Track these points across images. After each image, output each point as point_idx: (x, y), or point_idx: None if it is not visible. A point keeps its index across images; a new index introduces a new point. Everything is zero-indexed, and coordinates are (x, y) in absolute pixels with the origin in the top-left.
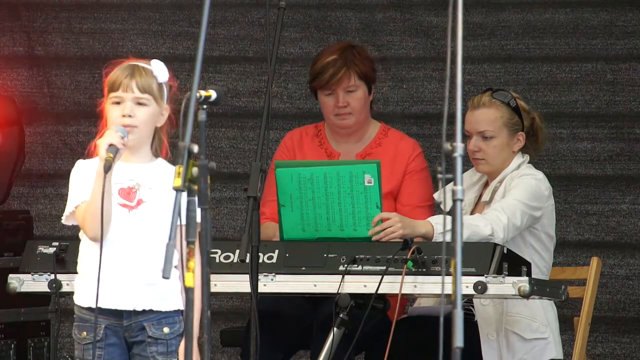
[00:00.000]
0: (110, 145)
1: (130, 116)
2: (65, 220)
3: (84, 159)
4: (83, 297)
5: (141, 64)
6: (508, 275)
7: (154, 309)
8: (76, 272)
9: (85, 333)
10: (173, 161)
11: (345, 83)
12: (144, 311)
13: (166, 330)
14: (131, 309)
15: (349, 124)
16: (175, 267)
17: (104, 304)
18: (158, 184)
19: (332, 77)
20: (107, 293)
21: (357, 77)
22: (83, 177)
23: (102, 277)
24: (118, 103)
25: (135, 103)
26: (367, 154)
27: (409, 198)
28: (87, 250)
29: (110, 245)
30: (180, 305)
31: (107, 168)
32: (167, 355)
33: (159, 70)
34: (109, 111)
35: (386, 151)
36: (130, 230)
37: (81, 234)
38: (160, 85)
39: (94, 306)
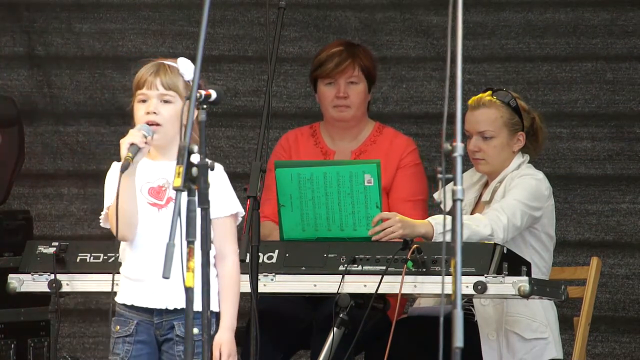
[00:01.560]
0: (132, 144)
1: (155, 113)
2: (102, 223)
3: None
4: (122, 294)
5: (168, 62)
6: (508, 275)
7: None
8: (76, 272)
9: (118, 327)
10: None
11: (349, 73)
12: (175, 310)
13: (195, 330)
14: (163, 307)
15: (346, 116)
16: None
17: (137, 302)
18: None
19: (337, 66)
20: (140, 291)
21: (360, 71)
22: (116, 178)
23: (135, 276)
24: (144, 101)
25: (160, 100)
26: (362, 152)
27: (400, 191)
28: (124, 250)
29: (141, 245)
30: (214, 307)
31: (125, 167)
32: (193, 356)
33: (186, 68)
34: (135, 109)
35: (380, 148)
36: (160, 229)
37: None
38: (186, 83)
39: (127, 303)
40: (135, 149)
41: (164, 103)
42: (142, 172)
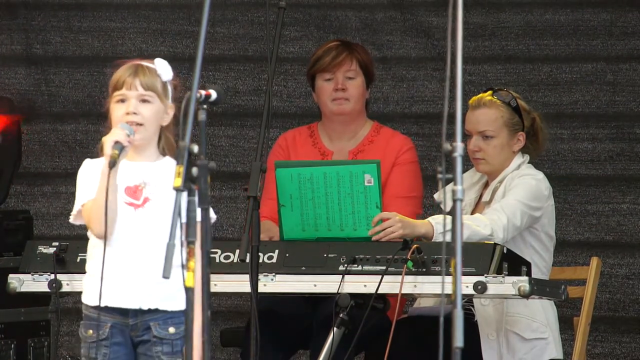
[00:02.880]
0: (116, 142)
1: (135, 113)
2: (73, 219)
3: (92, 158)
4: (90, 295)
5: (145, 63)
6: (508, 275)
7: (160, 308)
8: (76, 272)
9: (91, 331)
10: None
11: (346, 66)
12: (149, 310)
13: (172, 330)
14: (137, 307)
15: (345, 109)
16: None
17: (111, 302)
18: (164, 182)
19: (334, 59)
20: (114, 291)
21: (358, 65)
22: (90, 176)
23: (109, 276)
24: (122, 101)
25: (139, 100)
26: (360, 151)
27: (392, 188)
28: (94, 248)
29: (117, 244)
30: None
31: (112, 165)
32: (172, 356)
33: (163, 68)
34: (113, 110)
35: (378, 148)
36: (136, 228)
37: (89, 233)
38: (164, 84)
39: (101, 304)
40: (119, 147)
41: (143, 103)
42: (119, 172)
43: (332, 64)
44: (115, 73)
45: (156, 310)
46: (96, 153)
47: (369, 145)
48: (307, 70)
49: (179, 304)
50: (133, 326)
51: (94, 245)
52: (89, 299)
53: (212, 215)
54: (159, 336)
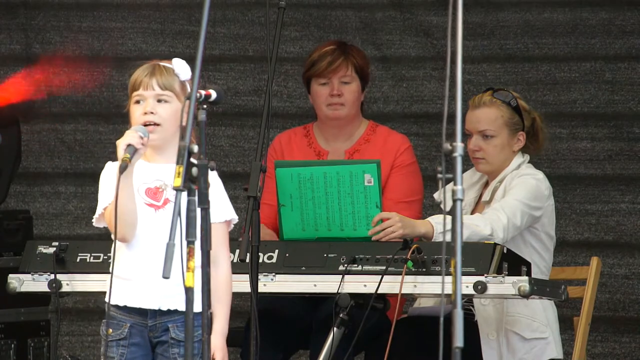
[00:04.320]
0: (129, 145)
1: (152, 113)
2: (96, 222)
3: (113, 160)
4: (113, 295)
5: (162, 63)
6: (508, 275)
7: (179, 309)
8: (76, 272)
9: (111, 330)
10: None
11: (342, 72)
12: (169, 311)
13: None
14: (156, 308)
15: (340, 114)
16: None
17: (130, 302)
18: None
19: (330, 64)
20: (134, 292)
21: (353, 69)
22: (111, 178)
23: (130, 276)
24: (139, 102)
25: (156, 100)
26: (356, 151)
27: (392, 193)
28: (119, 250)
29: (138, 245)
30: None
31: (123, 169)
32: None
33: (181, 68)
34: (132, 111)
35: (374, 147)
36: (156, 229)
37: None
38: (182, 83)
39: (120, 304)
40: (132, 150)
41: (160, 103)
42: (138, 173)
43: (328, 70)
44: (133, 74)
45: (175, 312)
46: (115, 155)
47: (366, 144)
48: (303, 72)
49: (198, 306)
50: (152, 327)
51: (118, 247)
52: (112, 298)
53: (234, 217)
54: (177, 338)
